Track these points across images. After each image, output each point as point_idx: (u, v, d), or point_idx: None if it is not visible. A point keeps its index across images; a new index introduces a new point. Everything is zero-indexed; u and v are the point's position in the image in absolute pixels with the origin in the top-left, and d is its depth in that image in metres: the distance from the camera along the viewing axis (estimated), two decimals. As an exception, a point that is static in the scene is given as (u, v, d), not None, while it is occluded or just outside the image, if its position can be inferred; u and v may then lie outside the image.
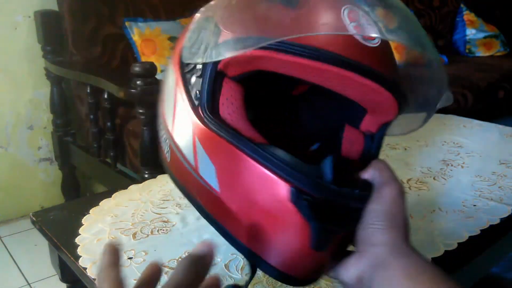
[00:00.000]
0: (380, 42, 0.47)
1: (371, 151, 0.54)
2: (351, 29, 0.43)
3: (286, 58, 0.44)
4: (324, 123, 0.64)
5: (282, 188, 0.44)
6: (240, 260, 0.63)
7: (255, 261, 0.49)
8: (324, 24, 0.44)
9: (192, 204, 0.53)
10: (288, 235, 0.46)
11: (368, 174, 0.48)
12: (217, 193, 0.48)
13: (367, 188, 0.47)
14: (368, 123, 0.55)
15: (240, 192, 0.47)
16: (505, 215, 0.76)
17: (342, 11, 0.43)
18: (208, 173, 0.49)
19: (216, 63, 0.49)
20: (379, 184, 0.47)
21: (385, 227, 0.45)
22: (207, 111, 0.48)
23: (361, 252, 0.45)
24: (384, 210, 0.45)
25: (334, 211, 0.45)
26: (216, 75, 0.49)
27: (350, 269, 0.46)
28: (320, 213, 0.44)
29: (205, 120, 0.48)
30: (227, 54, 0.45)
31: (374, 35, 0.44)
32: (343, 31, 0.43)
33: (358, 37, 0.44)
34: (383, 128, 0.54)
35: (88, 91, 1.59)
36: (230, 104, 0.50)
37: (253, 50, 0.44)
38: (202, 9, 0.52)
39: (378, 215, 0.45)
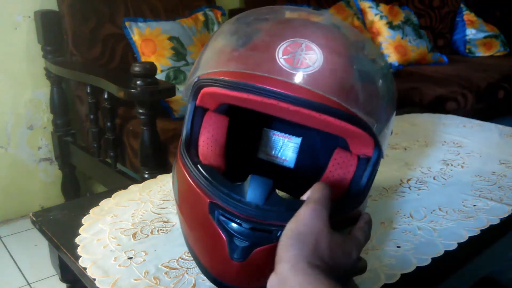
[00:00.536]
0: (320, 66, 0.50)
1: (363, 172, 0.57)
2: (283, 63, 0.50)
3: (228, 93, 0.53)
4: (316, 146, 0.73)
5: (204, 202, 0.52)
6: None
7: (196, 263, 0.56)
8: (258, 62, 0.51)
9: None
10: (212, 244, 0.52)
11: (305, 195, 0.51)
12: (178, 204, 0.59)
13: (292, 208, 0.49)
14: (356, 148, 0.58)
15: (185, 204, 0.57)
16: (505, 215, 0.76)
17: (278, 47, 0.51)
18: (175, 188, 0.60)
19: (195, 101, 0.59)
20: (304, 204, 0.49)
21: (290, 245, 0.46)
22: (183, 142, 0.59)
23: (274, 268, 0.46)
24: (294, 229, 0.47)
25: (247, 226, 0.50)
26: (195, 110, 0.60)
27: (267, 285, 0.47)
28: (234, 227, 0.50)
29: (180, 150, 0.59)
30: (183, 88, 0.56)
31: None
32: (274, 66, 0.50)
33: (285, 68, 0.50)
34: (376, 152, 0.56)
35: (88, 91, 1.59)
36: (207, 132, 0.60)
37: (207, 88, 0.55)
38: None
39: (288, 233, 0.47)
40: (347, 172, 0.58)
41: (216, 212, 0.51)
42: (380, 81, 0.56)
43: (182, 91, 0.64)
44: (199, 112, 0.61)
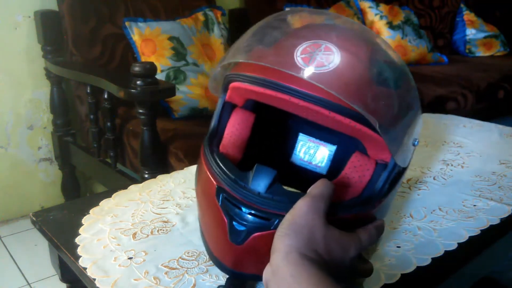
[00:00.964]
0: (335, 66, 0.52)
1: (378, 178, 0.58)
2: (299, 61, 0.52)
3: (247, 87, 0.57)
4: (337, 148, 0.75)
5: (212, 186, 0.56)
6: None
7: (203, 243, 0.61)
8: (276, 58, 0.54)
9: None
10: (215, 226, 0.55)
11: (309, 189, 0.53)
12: (196, 189, 0.64)
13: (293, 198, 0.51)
14: (372, 152, 0.59)
15: (199, 187, 0.62)
16: (505, 215, 0.76)
17: (297, 48, 0.53)
18: (196, 174, 0.64)
19: (224, 97, 0.64)
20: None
21: (284, 235, 0.47)
22: (208, 133, 0.64)
23: (270, 257, 0.48)
24: (290, 220, 0.48)
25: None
26: (224, 106, 0.64)
27: (263, 276, 0.48)
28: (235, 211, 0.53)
29: (204, 143, 0.64)
30: (212, 73, 0.62)
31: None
32: (289, 62, 0.52)
33: (299, 64, 0.52)
34: (393, 158, 0.57)
35: (88, 91, 1.59)
36: (231, 126, 0.64)
37: (234, 83, 0.60)
38: None
39: (284, 223, 0.48)
40: (362, 176, 0.59)
41: (221, 195, 0.54)
42: (397, 88, 0.57)
43: (209, 81, 0.68)
44: (228, 108, 0.65)
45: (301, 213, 0.48)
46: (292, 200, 0.50)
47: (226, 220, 0.53)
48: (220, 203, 0.54)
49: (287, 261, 0.45)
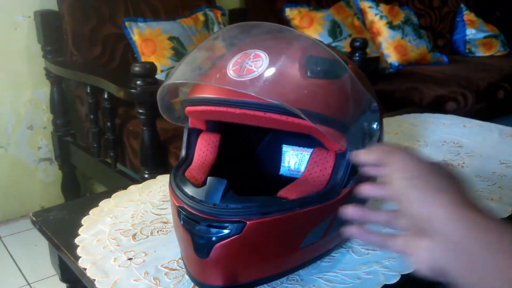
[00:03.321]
0: (264, 70, 0.54)
1: (340, 166, 0.60)
2: (231, 73, 0.55)
3: (198, 109, 0.61)
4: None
5: (175, 207, 0.58)
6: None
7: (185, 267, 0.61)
8: (214, 75, 0.57)
9: None
10: (184, 245, 0.57)
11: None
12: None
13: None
14: (328, 144, 0.61)
15: (171, 213, 0.63)
16: (505, 215, 0.76)
17: (230, 61, 0.57)
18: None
19: (188, 124, 0.68)
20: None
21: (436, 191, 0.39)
22: (176, 165, 0.65)
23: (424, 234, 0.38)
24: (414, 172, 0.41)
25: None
26: (190, 133, 0.68)
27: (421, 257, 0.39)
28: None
29: (172, 171, 0.65)
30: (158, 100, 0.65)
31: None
32: (224, 78, 0.56)
33: (232, 77, 0.55)
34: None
35: (88, 91, 1.59)
36: (198, 150, 0.67)
37: (188, 108, 0.63)
38: None
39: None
40: (324, 169, 0.61)
41: (182, 214, 0.57)
42: (330, 77, 0.58)
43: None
44: (193, 134, 0.68)
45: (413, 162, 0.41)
46: (246, 205, 0.53)
47: (189, 237, 0.55)
48: (182, 222, 0.56)
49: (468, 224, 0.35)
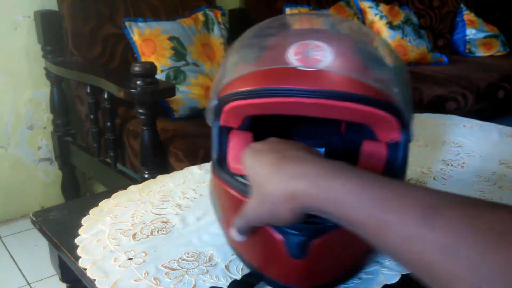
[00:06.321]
0: (333, 58, 0.52)
1: (395, 157, 0.57)
2: (294, 62, 0.52)
3: (247, 103, 0.55)
4: (345, 143, 0.72)
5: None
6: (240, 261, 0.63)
7: (263, 278, 0.57)
8: (272, 63, 0.54)
9: None
10: (270, 250, 0.52)
11: None
12: (224, 220, 0.61)
13: None
14: (382, 135, 0.58)
15: (224, 214, 0.60)
16: (505, 216, 0.76)
17: (287, 50, 0.53)
18: (217, 207, 0.63)
19: (218, 122, 0.60)
20: None
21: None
22: (215, 162, 0.61)
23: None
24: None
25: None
26: (220, 131, 0.61)
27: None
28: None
29: (213, 168, 0.61)
30: (208, 107, 0.60)
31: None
32: (289, 67, 0.52)
33: (300, 67, 0.52)
34: (404, 134, 0.56)
35: (88, 91, 1.59)
36: (232, 149, 0.61)
37: (228, 104, 0.57)
38: None
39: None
40: (379, 160, 0.58)
41: None
42: (389, 61, 0.58)
43: (205, 115, 0.64)
44: (224, 132, 0.62)
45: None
46: None
47: (280, 237, 0.50)
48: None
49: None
